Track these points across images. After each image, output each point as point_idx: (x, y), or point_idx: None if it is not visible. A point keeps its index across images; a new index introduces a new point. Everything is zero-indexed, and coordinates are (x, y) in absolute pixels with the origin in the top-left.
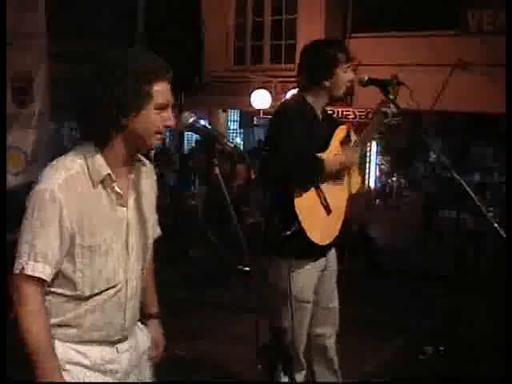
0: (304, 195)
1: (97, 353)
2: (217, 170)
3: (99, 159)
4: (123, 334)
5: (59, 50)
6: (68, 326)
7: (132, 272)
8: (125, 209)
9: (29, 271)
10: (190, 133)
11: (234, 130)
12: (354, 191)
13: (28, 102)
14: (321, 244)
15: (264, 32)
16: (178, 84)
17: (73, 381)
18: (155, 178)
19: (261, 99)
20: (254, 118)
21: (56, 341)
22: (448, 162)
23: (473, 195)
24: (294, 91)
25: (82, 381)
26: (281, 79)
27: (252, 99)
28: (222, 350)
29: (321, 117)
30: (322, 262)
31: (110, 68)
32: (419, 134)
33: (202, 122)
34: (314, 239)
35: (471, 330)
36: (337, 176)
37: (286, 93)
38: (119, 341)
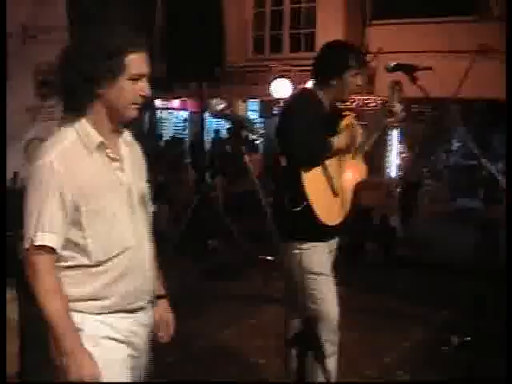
0: (313, 177)
1: (122, 324)
2: (246, 158)
3: (89, 129)
4: (143, 302)
5: None
6: (95, 298)
7: (141, 236)
8: (123, 173)
9: (38, 242)
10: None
11: (253, 119)
12: (360, 177)
13: (50, 94)
14: (329, 223)
15: (283, 21)
16: (200, 74)
17: (105, 355)
18: (139, 149)
19: (281, 88)
20: (274, 108)
21: (85, 315)
22: (477, 151)
23: (502, 183)
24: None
25: (113, 354)
26: (300, 68)
27: (272, 88)
28: (243, 340)
29: (328, 110)
30: (330, 244)
31: (84, 42)
32: (445, 121)
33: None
34: (322, 218)
35: (493, 320)
36: (342, 155)
37: (305, 81)
38: (139, 309)
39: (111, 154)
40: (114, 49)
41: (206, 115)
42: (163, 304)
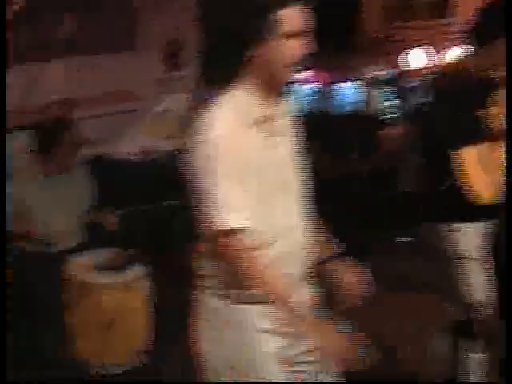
0: (463, 152)
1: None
2: (380, 132)
3: (245, 101)
4: (296, 286)
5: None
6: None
7: (298, 214)
8: (279, 149)
9: (231, 224)
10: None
11: (391, 90)
12: None
13: (178, 65)
14: (482, 202)
15: None
16: (335, 44)
17: (256, 347)
18: (295, 121)
19: (417, 58)
20: (411, 78)
21: (242, 306)
22: None
23: None
24: (453, 48)
25: (265, 346)
26: (438, 36)
27: (408, 58)
28: (385, 327)
29: (479, 79)
30: (483, 226)
31: (228, 3)
32: None
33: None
34: (474, 197)
35: None
36: (496, 136)
37: (444, 50)
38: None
39: (267, 129)
40: (262, 5)
41: (339, 86)
42: (335, 266)
